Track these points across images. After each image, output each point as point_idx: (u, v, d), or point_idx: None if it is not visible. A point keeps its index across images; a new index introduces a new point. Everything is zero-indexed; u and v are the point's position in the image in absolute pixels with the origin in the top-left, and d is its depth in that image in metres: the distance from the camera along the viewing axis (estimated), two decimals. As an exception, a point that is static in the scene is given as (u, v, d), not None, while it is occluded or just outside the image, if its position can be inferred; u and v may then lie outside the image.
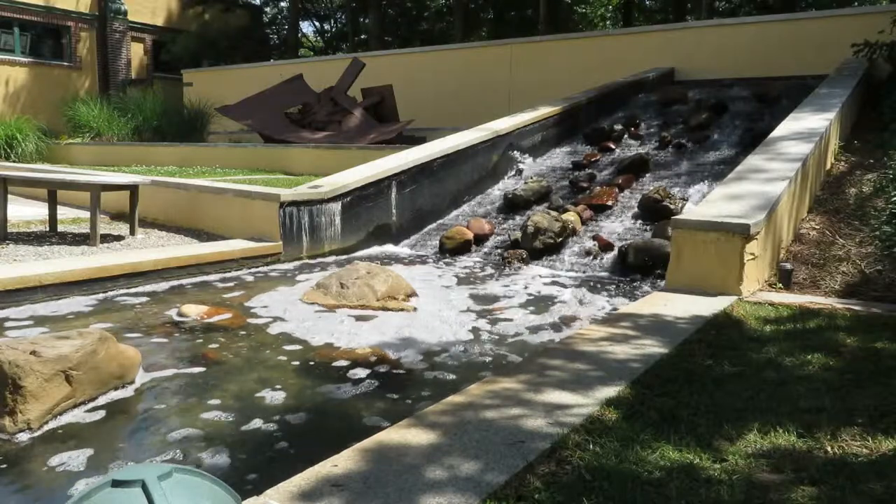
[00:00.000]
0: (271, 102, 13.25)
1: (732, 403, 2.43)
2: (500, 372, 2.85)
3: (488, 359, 3.53)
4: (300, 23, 26.48)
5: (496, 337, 3.90)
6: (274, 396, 2.96)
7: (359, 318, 4.22)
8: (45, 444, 2.47)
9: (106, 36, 19.25)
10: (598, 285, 5.31)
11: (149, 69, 20.70)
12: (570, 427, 2.18)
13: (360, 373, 3.26)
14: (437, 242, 6.78)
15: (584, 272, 5.76)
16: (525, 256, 6.09)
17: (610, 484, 1.83)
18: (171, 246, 5.89)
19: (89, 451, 2.41)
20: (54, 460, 2.35)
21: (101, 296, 4.62)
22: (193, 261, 5.33)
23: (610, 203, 6.85)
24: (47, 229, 6.51)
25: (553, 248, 6.12)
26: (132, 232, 6.31)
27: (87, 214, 6.40)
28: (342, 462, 1.94)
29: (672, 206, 6.22)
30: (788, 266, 4.58)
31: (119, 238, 6.19)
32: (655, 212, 6.31)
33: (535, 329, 4.07)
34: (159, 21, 20.93)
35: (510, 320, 4.25)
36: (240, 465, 2.36)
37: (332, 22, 29.50)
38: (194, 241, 6.25)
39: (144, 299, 4.62)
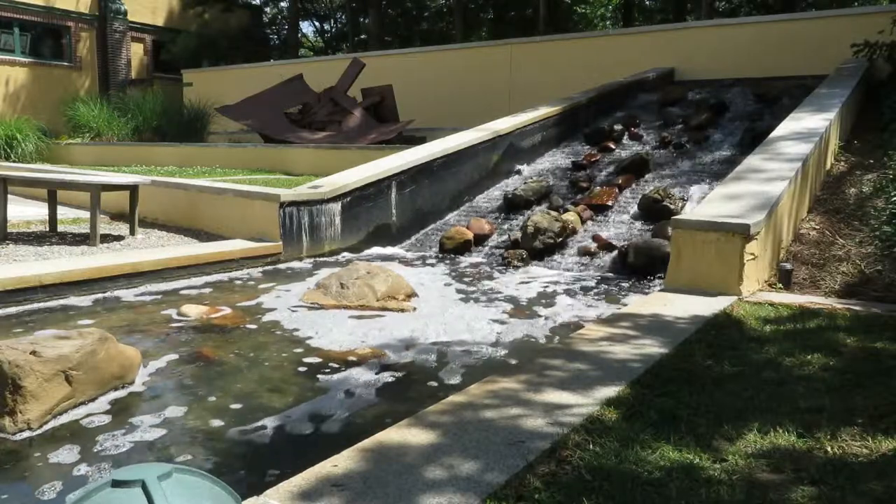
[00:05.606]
0: (271, 102, 13.24)
1: (732, 403, 2.43)
2: (500, 372, 2.85)
3: (488, 359, 3.53)
4: (300, 23, 26.49)
5: (496, 337, 3.90)
6: (274, 396, 2.96)
7: (359, 318, 4.22)
8: (45, 444, 2.47)
9: (106, 36, 19.24)
10: (598, 285, 5.31)
11: (149, 69, 20.69)
12: (569, 427, 2.18)
13: (360, 373, 3.26)
14: (437, 242, 6.78)
15: (583, 272, 5.76)
16: (525, 256, 6.09)
17: (610, 484, 1.83)
18: (171, 246, 5.89)
19: (89, 452, 2.41)
20: (54, 460, 2.35)
21: (100, 295, 4.62)
22: (193, 261, 5.33)
23: (610, 203, 6.84)
24: (47, 229, 6.51)
25: (553, 248, 6.12)
26: (132, 232, 6.31)
27: (87, 214, 6.40)
28: (342, 462, 1.94)
29: (672, 206, 6.22)
30: (788, 266, 4.58)
31: (119, 238, 6.19)
32: (655, 212, 6.31)
33: (534, 329, 4.07)
34: (159, 21, 20.92)
35: (510, 320, 4.25)
36: (240, 465, 2.36)
37: (332, 22, 29.50)
38: (194, 241, 6.25)
39: (144, 299, 4.62)
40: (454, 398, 2.46)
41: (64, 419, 2.67)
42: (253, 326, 4.02)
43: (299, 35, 26.45)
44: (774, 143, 5.84)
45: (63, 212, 7.22)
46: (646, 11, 25.45)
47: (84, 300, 4.51)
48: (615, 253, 5.85)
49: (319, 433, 2.63)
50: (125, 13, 19.47)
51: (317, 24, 29.50)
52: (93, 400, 2.83)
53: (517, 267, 5.95)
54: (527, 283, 5.37)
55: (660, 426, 2.21)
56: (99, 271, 4.73)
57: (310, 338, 3.79)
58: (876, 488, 1.83)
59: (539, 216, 6.25)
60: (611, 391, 2.51)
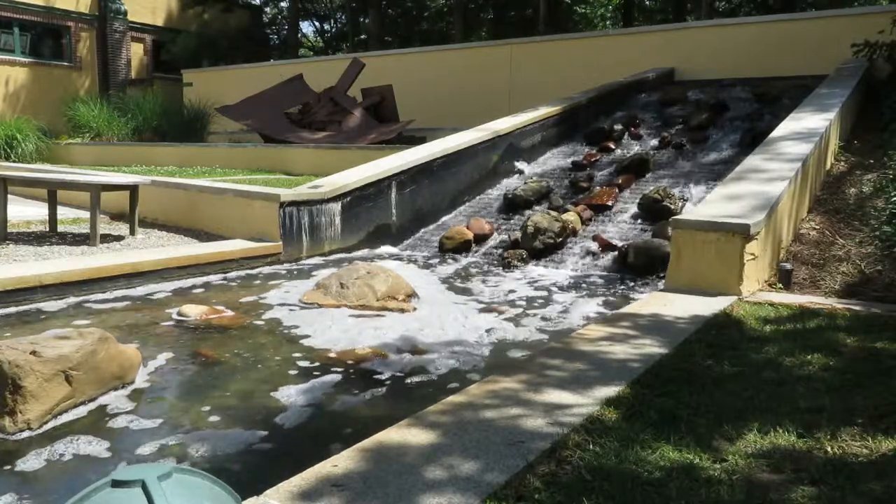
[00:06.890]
0: (271, 102, 13.24)
1: (732, 403, 2.43)
2: (500, 372, 2.85)
3: (488, 359, 3.53)
4: (300, 23, 26.50)
5: (496, 337, 3.90)
6: (274, 396, 2.96)
7: (359, 318, 4.22)
8: (45, 444, 2.47)
9: (106, 36, 19.24)
10: (598, 285, 5.31)
11: (149, 69, 20.68)
12: (569, 427, 2.18)
13: (360, 373, 3.26)
14: (437, 242, 6.78)
15: (583, 272, 5.76)
16: (525, 256, 6.09)
17: (610, 484, 1.83)
18: (171, 246, 5.89)
19: (89, 452, 2.41)
20: (54, 460, 2.35)
21: (100, 295, 4.62)
22: (193, 261, 5.33)
23: (610, 203, 6.84)
24: (47, 229, 6.51)
25: (553, 248, 6.12)
26: (132, 232, 6.31)
27: (87, 214, 6.40)
28: (342, 462, 1.94)
29: (672, 206, 6.22)
30: (788, 266, 4.58)
31: (119, 238, 6.19)
32: (655, 212, 6.31)
33: (534, 329, 4.07)
34: (159, 21, 20.92)
35: (510, 320, 4.25)
36: (240, 465, 2.36)
37: (332, 22, 29.50)
38: (194, 241, 6.25)
39: (144, 299, 4.62)
40: (454, 398, 2.46)
41: (64, 419, 2.67)
42: (253, 326, 4.02)
43: (299, 35, 26.46)
44: (774, 143, 5.84)
45: (63, 212, 7.21)
46: (646, 11, 25.45)
47: (84, 300, 4.51)
48: (615, 253, 5.85)
49: (319, 433, 2.63)
50: (125, 13, 19.46)
51: (317, 24, 29.52)
52: (93, 400, 2.83)
53: (517, 267, 5.95)
54: (526, 283, 5.37)
55: (660, 426, 2.21)
56: (99, 271, 4.73)
57: (310, 338, 3.79)
58: (876, 488, 1.83)
59: (539, 216, 6.25)
60: (611, 391, 2.51)
